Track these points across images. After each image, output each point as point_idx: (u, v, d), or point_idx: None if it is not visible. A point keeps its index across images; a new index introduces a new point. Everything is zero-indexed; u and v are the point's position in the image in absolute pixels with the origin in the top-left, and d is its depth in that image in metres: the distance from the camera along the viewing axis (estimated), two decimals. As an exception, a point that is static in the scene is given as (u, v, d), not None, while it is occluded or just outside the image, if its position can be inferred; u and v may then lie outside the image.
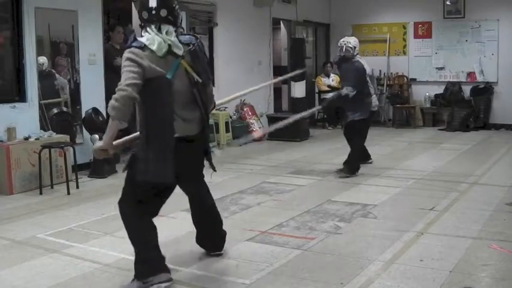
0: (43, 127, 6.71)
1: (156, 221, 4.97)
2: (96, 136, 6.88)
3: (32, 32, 6.56)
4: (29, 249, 4.26)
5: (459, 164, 7.72)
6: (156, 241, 3.54)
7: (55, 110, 6.97)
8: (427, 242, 4.31)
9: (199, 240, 4.09)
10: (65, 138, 6.66)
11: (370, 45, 12.68)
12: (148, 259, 3.47)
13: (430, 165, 7.57)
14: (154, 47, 3.31)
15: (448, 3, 11.99)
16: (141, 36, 3.40)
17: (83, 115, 7.07)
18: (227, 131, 9.45)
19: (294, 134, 10.02)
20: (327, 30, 13.48)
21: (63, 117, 7.05)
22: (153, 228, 3.58)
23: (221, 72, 9.90)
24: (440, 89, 12.14)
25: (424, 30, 12.35)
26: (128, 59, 3.29)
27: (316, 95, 12.52)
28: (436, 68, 12.25)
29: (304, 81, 11.82)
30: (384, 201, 5.65)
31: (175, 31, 3.43)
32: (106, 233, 4.62)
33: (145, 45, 3.33)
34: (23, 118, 6.45)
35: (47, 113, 6.81)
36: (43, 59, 6.75)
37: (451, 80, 12.08)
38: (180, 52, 3.38)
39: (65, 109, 7.09)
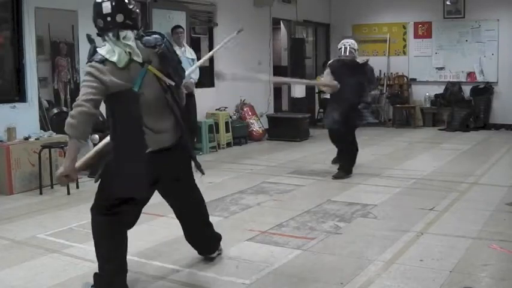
0: (43, 127, 6.71)
1: (156, 221, 5.00)
2: (96, 136, 6.88)
3: (32, 32, 6.56)
4: (29, 249, 4.26)
5: (459, 164, 7.72)
6: (120, 257, 3.33)
7: (55, 110, 6.97)
8: (427, 242, 4.31)
9: (188, 239, 3.87)
10: (65, 138, 6.65)
11: (370, 45, 12.68)
12: (106, 274, 3.31)
13: (430, 165, 7.57)
14: (114, 59, 3.10)
15: (448, 3, 11.99)
16: (102, 46, 3.19)
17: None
18: (227, 131, 9.45)
19: (294, 134, 10.02)
20: (327, 30, 13.48)
21: (63, 117, 7.04)
22: (122, 243, 3.36)
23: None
24: (440, 89, 12.15)
25: (424, 30, 12.35)
26: (88, 73, 3.08)
27: (316, 95, 12.52)
28: (436, 68, 12.25)
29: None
30: (384, 201, 5.65)
31: (137, 34, 3.28)
32: (106, 233, 4.62)
33: (105, 58, 3.10)
34: (23, 118, 6.45)
35: (47, 113, 6.81)
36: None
37: (451, 80, 12.08)
38: (139, 59, 3.17)
39: (65, 109, 7.08)
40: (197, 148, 8.78)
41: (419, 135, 10.85)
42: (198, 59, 9.14)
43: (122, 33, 3.18)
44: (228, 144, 9.44)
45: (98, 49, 3.16)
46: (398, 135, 10.80)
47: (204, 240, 3.90)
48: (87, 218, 5.06)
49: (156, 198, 6.06)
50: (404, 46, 12.58)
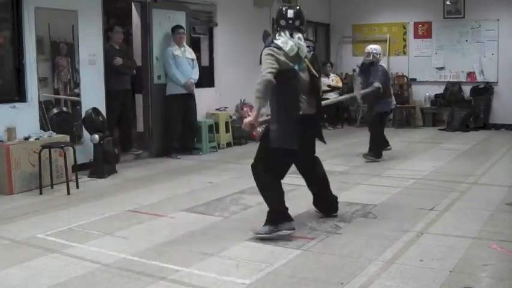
0: (43, 127, 6.72)
1: (156, 221, 5.00)
2: (96, 136, 6.89)
3: (32, 32, 6.56)
4: (29, 249, 4.26)
5: (459, 164, 7.72)
6: (282, 197, 4.49)
7: (55, 110, 6.97)
8: (427, 242, 4.31)
9: (316, 204, 5.05)
10: (65, 138, 6.67)
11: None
12: (278, 210, 4.40)
13: (430, 165, 7.57)
14: (287, 48, 4.27)
15: (448, 3, 11.99)
16: (277, 38, 4.34)
17: (83, 115, 7.07)
18: (227, 131, 9.45)
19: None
20: (327, 30, 13.48)
21: (63, 117, 7.05)
22: (280, 187, 4.49)
23: (221, 73, 9.90)
24: (440, 89, 12.15)
25: (424, 30, 12.36)
26: (269, 54, 4.23)
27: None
28: (436, 68, 12.25)
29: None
30: (383, 201, 5.65)
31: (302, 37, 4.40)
32: (106, 233, 4.62)
33: (280, 46, 4.26)
34: (23, 118, 6.45)
35: (47, 113, 6.82)
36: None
37: (451, 80, 12.09)
38: (303, 54, 4.38)
39: (64, 109, 7.09)
40: (197, 148, 8.79)
41: (419, 135, 10.85)
42: (198, 59, 9.17)
43: (296, 34, 4.38)
44: (228, 144, 9.45)
45: (274, 40, 4.34)
46: (399, 135, 10.79)
47: (332, 198, 5.03)
48: (87, 218, 5.09)
49: (156, 198, 6.09)
50: (404, 46, 12.59)
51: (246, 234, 4.52)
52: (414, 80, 12.47)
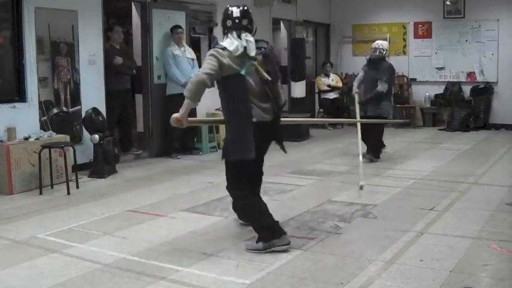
0: (43, 127, 6.71)
1: (156, 221, 5.00)
2: (96, 136, 6.89)
3: (32, 32, 6.56)
4: (29, 249, 4.26)
5: (459, 164, 7.72)
6: (267, 209, 4.25)
7: (55, 110, 6.96)
8: (427, 242, 4.31)
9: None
10: (65, 138, 6.66)
11: (370, 45, 12.60)
12: (267, 225, 4.16)
13: (430, 165, 7.57)
14: (231, 48, 4.01)
15: (448, 3, 11.99)
16: (223, 40, 4.13)
17: (83, 115, 7.07)
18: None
19: (294, 134, 10.01)
20: (327, 30, 13.48)
21: (63, 117, 7.05)
22: (261, 200, 4.32)
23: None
24: (440, 89, 12.15)
25: (424, 30, 12.36)
26: (211, 55, 4.00)
27: (316, 95, 12.53)
28: (436, 68, 12.25)
29: (304, 81, 11.84)
30: (383, 201, 5.65)
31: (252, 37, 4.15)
32: (106, 233, 4.62)
33: (225, 47, 4.03)
34: (23, 118, 6.45)
35: (47, 113, 6.82)
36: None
37: (451, 80, 12.09)
38: (252, 54, 4.07)
39: (64, 109, 7.09)
40: (197, 148, 8.78)
41: (419, 135, 10.85)
42: (198, 59, 9.16)
43: (243, 34, 4.10)
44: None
45: (219, 42, 4.15)
46: (399, 135, 10.80)
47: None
48: (87, 218, 5.09)
49: (156, 198, 6.09)
50: (404, 46, 12.59)
51: (246, 234, 4.52)
52: (414, 80, 12.47)
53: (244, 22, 4.11)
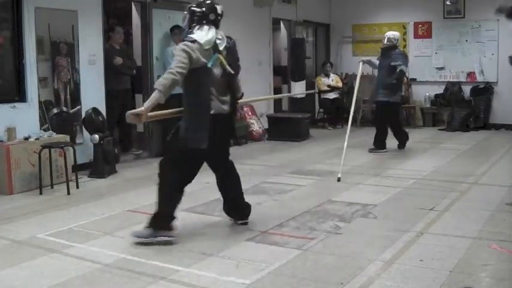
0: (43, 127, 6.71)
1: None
2: (96, 136, 6.89)
3: (32, 32, 6.56)
4: (29, 249, 4.26)
5: (459, 164, 7.72)
6: (175, 205, 4.32)
7: (55, 110, 6.96)
8: (427, 242, 4.31)
9: (226, 210, 4.81)
10: (65, 138, 6.66)
11: (370, 45, 12.68)
12: (164, 216, 4.27)
13: (430, 165, 7.57)
14: (202, 41, 4.13)
15: (448, 3, 11.99)
16: (193, 32, 4.21)
17: (83, 115, 7.07)
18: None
19: (294, 134, 10.02)
20: (327, 30, 13.48)
21: (63, 117, 7.04)
22: (179, 193, 4.33)
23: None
24: (440, 89, 12.15)
25: (424, 30, 12.35)
26: (182, 50, 4.06)
27: (316, 95, 12.52)
28: (436, 68, 12.25)
29: (304, 81, 11.84)
30: (383, 201, 5.65)
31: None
32: (106, 233, 4.62)
33: (195, 40, 4.13)
34: (23, 118, 6.45)
35: (47, 113, 6.81)
36: None
37: (451, 80, 12.09)
38: (221, 47, 4.25)
39: (64, 109, 7.08)
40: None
41: (419, 135, 10.84)
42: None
43: (212, 28, 4.24)
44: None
45: (190, 34, 4.21)
46: (399, 135, 10.78)
47: (243, 205, 4.78)
48: (87, 218, 5.09)
49: (156, 198, 6.04)
50: (404, 46, 12.55)
51: (246, 234, 4.53)
52: (414, 80, 12.46)
53: (212, 17, 4.28)
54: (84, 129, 7.14)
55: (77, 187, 6.32)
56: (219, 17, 4.33)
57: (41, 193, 6.06)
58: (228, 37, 4.41)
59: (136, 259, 3.99)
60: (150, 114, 4.13)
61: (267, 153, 8.76)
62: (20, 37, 6.51)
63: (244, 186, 6.26)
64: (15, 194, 6.04)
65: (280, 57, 12.69)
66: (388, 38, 8.55)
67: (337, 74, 12.62)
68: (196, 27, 4.24)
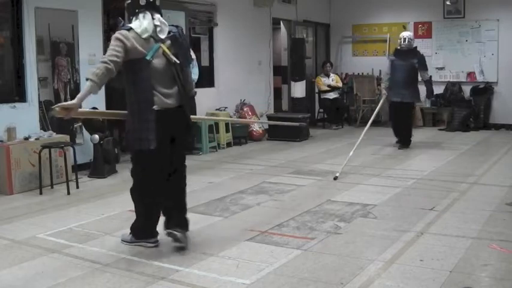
0: (43, 127, 6.71)
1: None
2: (96, 136, 6.89)
3: (32, 32, 6.56)
4: (29, 249, 4.26)
5: (459, 164, 7.72)
6: (154, 219, 4.19)
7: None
8: (427, 242, 4.31)
9: (166, 219, 4.24)
10: (65, 138, 6.67)
11: (370, 45, 12.69)
12: (141, 227, 4.19)
13: (430, 165, 7.57)
14: (139, 30, 3.87)
15: (448, 3, 11.99)
16: (130, 22, 3.97)
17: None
18: (227, 131, 9.45)
19: (294, 134, 10.01)
20: (327, 30, 13.48)
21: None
22: (155, 205, 4.12)
23: (221, 72, 9.90)
24: (440, 89, 12.13)
25: (424, 30, 12.35)
26: (116, 38, 3.81)
27: (316, 95, 12.52)
28: (436, 68, 12.24)
29: (304, 81, 11.85)
30: (384, 201, 5.65)
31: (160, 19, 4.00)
32: (106, 233, 4.62)
33: (131, 28, 3.87)
34: (23, 118, 6.45)
35: (47, 113, 6.81)
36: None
37: (451, 80, 12.08)
38: (162, 36, 3.96)
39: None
40: (197, 148, 8.78)
41: (419, 135, 10.82)
42: (198, 59, 9.16)
43: (155, 15, 3.98)
44: (228, 144, 9.44)
45: (127, 24, 3.97)
46: (399, 135, 10.78)
47: (182, 212, 4.25)
48: (87, 218, 5.09)
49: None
50: (404, 46, 12.56)
51: (246, 234, 4.53)
52: (414, 80, 12.44)
53: (158, 2, 4.03)
54: (84, 129, 7.14)
55: (77, 187, 6.32)
56: (151, 0, 3.98)
57: (41, 193, 6.06)
58: (174, 26, 4.11)
59: (136, 259, 3.99)
60: (80, 111, 3.93)
61: (267, 153, 8.76)
62: (20, 37, 6.51)
63: (245, 186, 6.31)
64: (15, 194, 6.04)
65: (280, 57, 12.69)
66: (407, 39, 8.81)
67: (337, 74, 12.63)
68: (133, 18, 3.96)
